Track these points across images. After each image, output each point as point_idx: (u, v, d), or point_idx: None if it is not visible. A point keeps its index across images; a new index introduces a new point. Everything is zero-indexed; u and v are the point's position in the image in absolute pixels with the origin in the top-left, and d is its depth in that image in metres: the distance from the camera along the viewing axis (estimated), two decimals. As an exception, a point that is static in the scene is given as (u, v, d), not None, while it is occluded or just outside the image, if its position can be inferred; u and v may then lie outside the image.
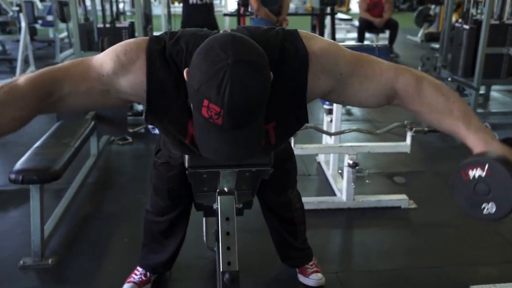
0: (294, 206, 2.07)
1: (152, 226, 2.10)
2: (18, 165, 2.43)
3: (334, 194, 3.13)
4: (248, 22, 4.97)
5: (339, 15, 9.60)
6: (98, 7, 4.59)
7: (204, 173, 1.47)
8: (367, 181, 3.01)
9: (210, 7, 5.04)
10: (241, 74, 1.00)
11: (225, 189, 1.65)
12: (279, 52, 1.20)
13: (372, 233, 2.75)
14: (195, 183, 1.69)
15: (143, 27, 4.57)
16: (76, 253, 2.53)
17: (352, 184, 2.87)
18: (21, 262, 2.41)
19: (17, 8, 6.00)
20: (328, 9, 6.44)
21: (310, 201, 2.93)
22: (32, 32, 7.72)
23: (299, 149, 2.85)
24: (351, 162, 2.82)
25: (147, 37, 1.23)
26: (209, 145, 1.09)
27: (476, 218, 1.12)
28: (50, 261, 2.42)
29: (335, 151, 3.10)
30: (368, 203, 2.98)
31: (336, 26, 9.58)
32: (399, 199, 3.01)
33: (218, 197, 1.66)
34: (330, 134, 2.88)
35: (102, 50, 3.80)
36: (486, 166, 1.06)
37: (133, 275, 2.21)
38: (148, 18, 4.73)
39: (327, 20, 6.73)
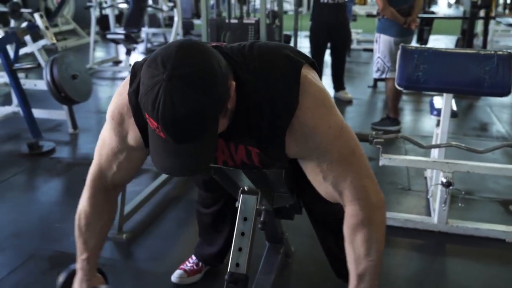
0: (341, 217, 1.89)
1: (201, 217, 2.12)
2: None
3: (429, 214, 2.83)
4: (373, 23, 4.72)
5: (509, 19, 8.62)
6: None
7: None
8: (460, 204, 2.65)
9: (341, 7, 4.91)
10: (173, 92, 0.95)
11: (245, 187, 1.59)
12: (267, 94, 1.14)
13: (462, 266, 2.41)
14: (220, 179, 1.67)
15: (268, 24, 4.63)
16: (150, 233, 2.68)
17: (443, 205, 2.56)
18: (101, 233, 2.62)
19: (171, 4, 6.54)
20: (482, 13, 5.81)
21: (395, 217, 2.70)
22: (189, 26, 8.34)
23: (386, 159, 2.63)
24: (444, 180, 2.51)
25: (127, 82, 1.24)
26: (156, 156, 1.06)
27: None
28: (124, 236, 2.60)
29: (427, 166, 2.79)
30: (464, 229, 2.62)
31: (501, 31, 8.66)
32: (504, 230, 2.59)
33: (241, 195, 1.61)
34: (422, 146, 2.60)
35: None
36: None
37: (186, 263, 2.26)
38: (276, 15, 4.77)
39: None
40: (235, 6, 4.75)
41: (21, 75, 4.75)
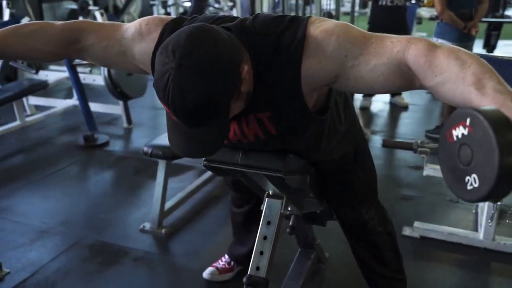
0: (373, 228, 1.84)
1: (233, 216, 2.14)
2: (153, 141, 2.72)
3: (476, 230, 2.70)
4: (431, 26, 4.54)
5: None
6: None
7: (220, 168, 1.43)
8: (507, 221, 2.51)
9: (400, 9, 4.77)
10: (182, 80, 0.97)
11: (270, 191, 1.59)
12: (275, 42, 1.11)
13: (507, 286, 2.29)
14: (247, 181, 1.67)
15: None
16: (189, 230, 2.73)
17: (490, 221, 2.43)
18: (142, 225, 2.71)
19: (231, 4, 6.61)
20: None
21: (439, 230, 2.60)
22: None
23: (431, 169, 2.54)
24: (492, 195, 2.39)
25: (176, 17, 1.27)
26: (172, 136, 1.10)
27: (461, 198, 0.86)
28: (163, 230, 2.67)
29: (475, 179, 2.65)
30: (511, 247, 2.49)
31: None
32: (557, 252, 2.44)
33: (266, 199, 1.61)
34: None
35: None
36: (468, 120, 0.80)
37: (219, 261, 2.29)
38: (331, 16, 4.71)
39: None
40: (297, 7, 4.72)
41: (85, 69, 4.98)
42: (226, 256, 2.29)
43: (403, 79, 1.06)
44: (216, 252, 2.41)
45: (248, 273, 1.54)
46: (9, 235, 2.66)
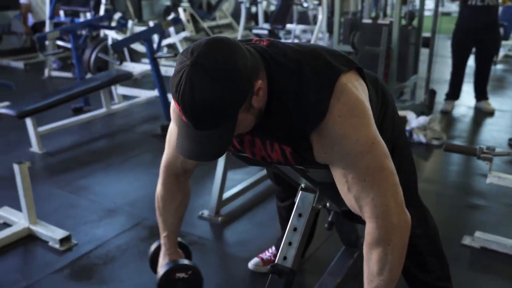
0: (413, 231, 1.78)
1: (278, 210, 2.19)
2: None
3: (546, 245, 2.51)
4: None
5: None
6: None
7: (247, 157, 1.47)
8: None
9: (491, 9, 4.50)
10: (194, 78, 1.03)
11: (302, 185, 1.62)
12: (296, 87, 1.18)
13: None
14: (283, 174, 1.71)
15: (404, 25, 4.46)
16: (244, 220, 2.81)
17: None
18: (201, 212, 2.84)
19: (317, 2, 6.61)
20: None
21: (502, 242, 2.46)
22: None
23: (495, 178, 2.40)
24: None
25: None
26: (179, 138, 1.15)
27: None
28: (220, 218, 2.77)
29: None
30: None
31: None
32: None
33: (300, 192, 1.64)
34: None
35: (352, 45, 3.94)
36: None
37: (266, 252, 2.34)
38: (412, 16, 4.56)
39: None
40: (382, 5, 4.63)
41: (167, 62, 5.24)
42: (273, 248, 2.34)
43: (353, 208, 1.28)
44: (266, 244, 2.46)
45: (275, 261, 1.58)
46: (82, 211, 2.90)
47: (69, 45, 4.98)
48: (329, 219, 1.84)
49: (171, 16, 4.63)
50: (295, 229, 1.60)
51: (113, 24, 4.91)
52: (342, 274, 2.01)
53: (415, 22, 4.62)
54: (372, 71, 4.25)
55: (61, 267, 2.35)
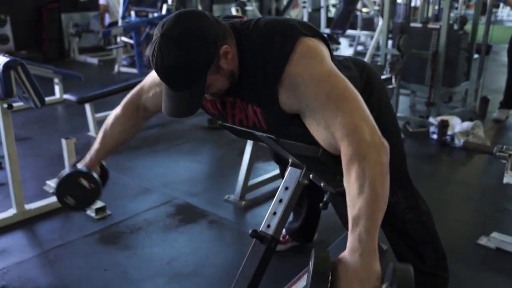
0: (401, 214, 1.84)
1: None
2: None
3: None
4: None
5: None
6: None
7: (232, 127, 1.60)
8: None
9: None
10: (163, 48, 1.21)
11: (290, 160, 1.73)
12: (261, 47, 1.30)
13: None
14: (274, 149, 1.83)
15: (455, 30, 4.40)
16: (268, 205, 2.92)
17: None
18: (227, 196, 3.01)
19: (377, 8, 6.62)
20: None
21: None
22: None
23: (511, 177, 2.38)
24: None
25: None
26: (163, 98, 1.33)
27: None
28: (243, 203, 2.93)
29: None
30: None
31: None
32: None
33: (289, 167, 1.76)
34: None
35: (398, 48, 3.98)
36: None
37: (277, 234, 2.47)
38: (464, 21, 4.47)
39: None
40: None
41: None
42: (284, 231, 2.46)
43: (336, 151, 1.25)
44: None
45: (259, 229, 1.71)
46: (122, 188, 3.17)
47: (131, 41, 5.36)
48: (324, 199, 1.94)
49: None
50: (280, 201, 1.72)
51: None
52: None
53: (468, 27, 4.54)
54: (419, 74, 4.30)
55: (93, 232, 2.62)
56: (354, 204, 1.12)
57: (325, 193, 1.98)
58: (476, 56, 4.87)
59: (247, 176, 2.97)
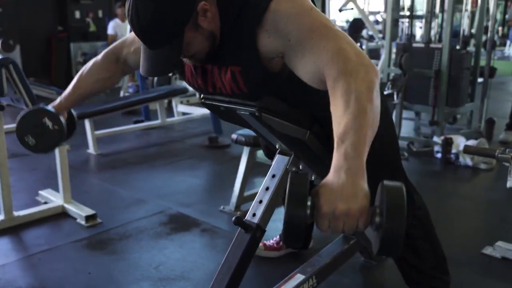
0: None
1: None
2: (240, 131, 2.94)
3: None
4: None
5: None
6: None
7: (212, 105, 1.53)
8: None
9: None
10: (138, 2, 1.17)
11: (277, 145, 1.67)
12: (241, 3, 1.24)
13: None
14: (260, 136, 1.77)
15: (457, 49, 4.37)
16: (263, 216, 2.85)
17: None
18: (222, 206, 2.92)
19: (381, 35, 6.64)
20: None
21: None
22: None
23: (515, 181, 2.27)
24: None
25: None
26: (141, 60, 1.27)
27: None
28: (239, 213, 2.84)
29: None
30: None
31: None
32: None
33: (277, 155, 1.69)
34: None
35: (400, 66, 3.96)
36: None
37: (271, 239, 2.37)
38: (467, 40, 4.45)
39: None
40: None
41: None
42: (278, 236, 2.36)
43: (321, 83, 1.14)
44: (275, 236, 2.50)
45: (245, 218, 1.63)
46: (116, 198, 3.10)
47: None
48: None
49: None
50: (267, 189, 1.64)
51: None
52: (331, 257, 1.98)
53: (471, 48, 4.51)
54: (422, 94, 4.24)
55: (81, 239, 2.53)
56: (339, 121, 1.01)
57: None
58: (480, 80, 4.83)
59: (243, 186, 2.89)
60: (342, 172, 0.94)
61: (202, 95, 1.52)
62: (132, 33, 1.58)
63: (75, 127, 1.74)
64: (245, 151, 2.88)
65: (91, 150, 4.14)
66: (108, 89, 1.75)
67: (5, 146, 2.58)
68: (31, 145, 1.62)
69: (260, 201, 1.64)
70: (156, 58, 1.24)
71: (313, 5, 1.23)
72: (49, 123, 1.58)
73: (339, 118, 1.02)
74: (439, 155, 3.94)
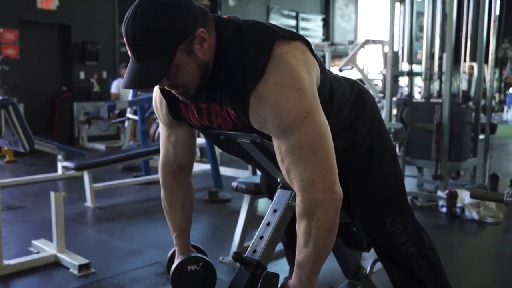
0: (403, 246, 1.65)
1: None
2: (242, 178, 2.89)
3: None
4: None
5: None
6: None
7: (213, 133, 1.49)
8: None
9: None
10: (139, 9, 1.16)
11: (279, 179, 1.61)
12: (240, 53, 1.23)
13: None
14: (260, 169, 1.71)
15: (457, 104, 4.39)
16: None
17: None
18: (221, 257, 2.81)
19: (382, 95, 6.72)
20: None
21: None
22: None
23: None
24: None
25: None
26: (124, 76, 1.23)
27: None
28: (238, 264, 2.72)
29: None
30: None
31: None
32: None
33: (278, 190, 1.63)
34: None
35: (401, 120, 3.96)
36: None
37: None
38: (467, 95, 4.48)
39: None
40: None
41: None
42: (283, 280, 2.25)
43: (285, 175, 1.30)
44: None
45: (245, 255, 1.54)
46: (112, 249, 3.00)
47: (136, 117, 5.43)
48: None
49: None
50: (268, 224, 1.57)
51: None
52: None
53: (471, 103, 4.54)
54: (425, 149, 4.21)
55: (72, 288, 2.41)
56: (300, 251, 1.28)
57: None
58: (481, 137, 4.83)
59: (243, 236, 2.80)
60: None
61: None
62: (162, 140, 1.57)
63: (203, 251, 1.77)
64: (246, 199, 2.82)
65: (89, 203, 4.05)
66: (193, 197, 1.72)
67: (-1, 192, 2.52)
68: None
69: (261, 237, 1.56)
70: (140, 71, 1.19)
71: (312, 107, 1.22)
72: (193, 266, 1.62)
73: (300, 248, 1.28)
74: (444, 209, 3.86)
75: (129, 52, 1.20)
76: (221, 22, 1.29)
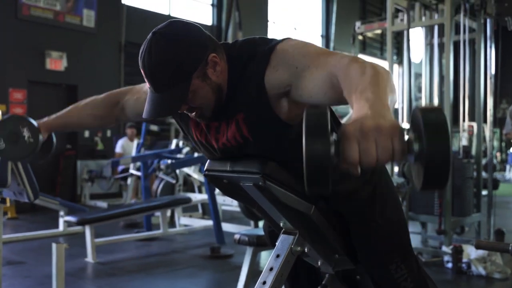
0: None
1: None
2: (244, 230, 2.88)
3: None
4: None
5: None
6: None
7: (215, 176, 1.51)
8: None
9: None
10: (152, 43, 1.24)
11: (281, 224, 1.61)
12: (251, 52, 1.31)
13: None
14: (263, 215, 1.72)
15: (458, 158, 4.42)
16: None
17: None
18: (223, 313, 2.75)
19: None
20: None
21: None
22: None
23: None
24: None
25: None
26: (146, 105, 1.30)
27: None
28: (241, 313, 2.66)
29: None
30: None
31: None
32: None
33: (281, 235, 1.63)
34: None
35: (403, 175, 3.98)
36: None
37: None
38: (467, 150, 4.50)
39: None
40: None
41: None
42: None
43: (333, 91, 1.16)
44: None
45: (249, 301, 1.52)
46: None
47: (139, 173, 5.46)
48: (323, 282, 1.76)
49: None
50: (271, 269, 1.56)
51: (182, 156, 5.40)
52: None
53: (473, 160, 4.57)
54: (427, 204, 4.20)
55: None
56: (356, 86, 1.01)
57: (323, 276, 1.81)
58: (484, 193, 4.82)
59: (247, 286, 2.74)
60: (365, 109, 0.90)
61: (205, 168, 1.52)
62: (141, 84, 1.63)
63: (50, 150, 1.75)
64: (248, 251, 2.78)
65: (89, 258, 4.00)
66: (97, 127, 1.80)
67: (1, 243, 2.50)
68: None
69: (264, 282, 1.54)
70: (159, 101, 1.26)
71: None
72: (26, 134, 1.61)
73: (357, 82, 1.01)
74: (449, 265, 3.79)
75: (147, 84, 1.28)
76: (229, 46, 1.37)
